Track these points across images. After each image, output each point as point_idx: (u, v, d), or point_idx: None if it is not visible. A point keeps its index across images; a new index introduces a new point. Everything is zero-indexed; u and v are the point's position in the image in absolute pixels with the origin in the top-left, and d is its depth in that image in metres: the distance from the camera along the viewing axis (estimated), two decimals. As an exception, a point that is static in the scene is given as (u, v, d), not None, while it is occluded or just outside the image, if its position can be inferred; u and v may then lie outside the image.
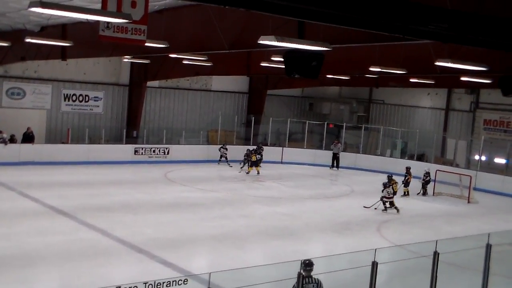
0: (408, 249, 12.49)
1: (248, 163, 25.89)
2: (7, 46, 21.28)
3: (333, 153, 29.92)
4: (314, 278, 8.17)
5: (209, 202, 19.40)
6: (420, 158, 29.80)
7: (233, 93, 35.08)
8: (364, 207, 19.56)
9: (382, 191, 19.36)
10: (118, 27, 11.07)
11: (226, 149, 27.79)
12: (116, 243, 13.69)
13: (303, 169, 28.85)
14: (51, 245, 13.14)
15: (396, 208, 19.29)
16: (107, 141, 28.56)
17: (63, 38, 18.81)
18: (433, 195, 23.21)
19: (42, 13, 16.69)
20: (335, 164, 29.72)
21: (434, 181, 23.55)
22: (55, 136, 28.54)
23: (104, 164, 25.67)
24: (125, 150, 27.35)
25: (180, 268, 11.92)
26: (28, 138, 26.15)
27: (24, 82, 28.01)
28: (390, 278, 11.17)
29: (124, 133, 28.78)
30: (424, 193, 23.16)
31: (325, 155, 30.05)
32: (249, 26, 12.86)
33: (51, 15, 16.19)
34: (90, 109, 30.07)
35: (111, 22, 10.95)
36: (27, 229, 14.38)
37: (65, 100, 29.29)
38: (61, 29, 19.25)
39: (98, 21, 11.04)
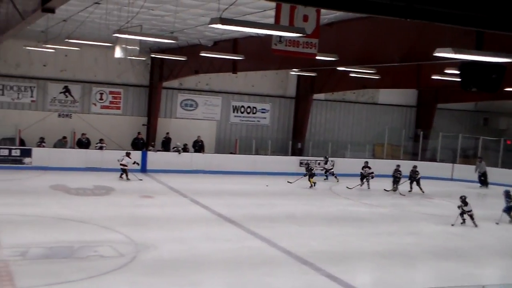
0: None
1: (309, 175, 24.50)
2: (183, 60, 22.58)
3: (480, 172, 27.81)
4: None
5: (374, 217, 19.00)
6: None
7: (400, 107, 34.19)
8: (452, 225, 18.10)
9: (466, 205, 17.93)
10: (290, 41, 11.24)
11: (326, 162, 26.71)
12: (281, 254, 13.80)
13: (476, 188, 27.26)
14: (220, 251, 13.54)
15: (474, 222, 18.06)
16: (273, 153, 29.14)
17: (234, 52, 19.52)
18: None
19: (216, 29, 17.47)
20: (486, 183, 27.71)
21: None
22: (223, 147, 29.67)
23: (270, 175, 26.20)
24: (290, 162, 27.74)
25: (345, 282, 11.71)
26: (197, 146, 27.53)
27: (196, 94, 29.55)
28: None
29: (290, 145, 29.21)
30: None
31: (501, 174, 27.90)
32: (422, 38, 12.37)
33: (224, 30, 16.88)
34: (257, 121, 30.92)
35: (283, 36, 11.14)
36: (198, 235, 14.97)
37: (233, 112, 30.42)
38: (233, 43, 20.00)
39: (268, 35, 11.26)
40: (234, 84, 29.93)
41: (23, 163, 23.61)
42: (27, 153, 23.97)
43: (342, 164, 28.30)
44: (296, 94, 31.33)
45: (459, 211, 18.07)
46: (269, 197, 21.44)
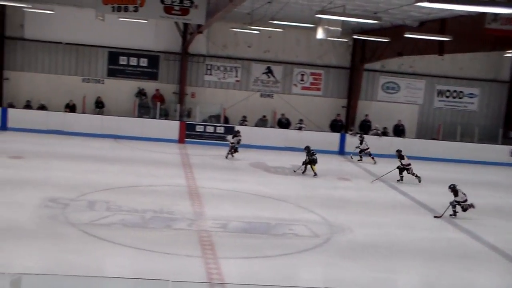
0: None
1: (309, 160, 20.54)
2: (386, 42, 22.01)
3: None
4: None
5: None
6: None
7: None
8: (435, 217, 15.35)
9: (456, 195, 15.14)
10: (507, 18, 10.32)
11: (362, 142, 23.95)
12: (485, 248, 12.91)
13: None
14: (417, 240, 13.10)
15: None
16: (480, 140, 27.38)
17: (441, 32, 18.57)
18: None
19: (423, 8, 16.70)
20: None
21: None
22: (425, 132, 28.59)
23: (475, 163, 24.69)
24: (500, 151, 25.88)
25: (558, 288, 10.61)
26: (398, 130, 26.82)
27: (399, 77, 28.79)
28: None
29: (500, 133, 27.23)
30: None
31: None
32: None
33: (432, 9, 16.07)
34: (464, 106, 29.37)
35: (499, 14, 10.25)
36: (394, 221, 14.66)
37: (438, 96, 29.18)
38: (440, 24, 19.01)
39: (481, 13, 10.44)
40: (440, 67, 28.62)
41: (227, 140, 24.76)
42: (230, 130, 25.11)
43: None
44: (511, 78, 29.04)
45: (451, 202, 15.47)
46: (474, 187, 20.05)
